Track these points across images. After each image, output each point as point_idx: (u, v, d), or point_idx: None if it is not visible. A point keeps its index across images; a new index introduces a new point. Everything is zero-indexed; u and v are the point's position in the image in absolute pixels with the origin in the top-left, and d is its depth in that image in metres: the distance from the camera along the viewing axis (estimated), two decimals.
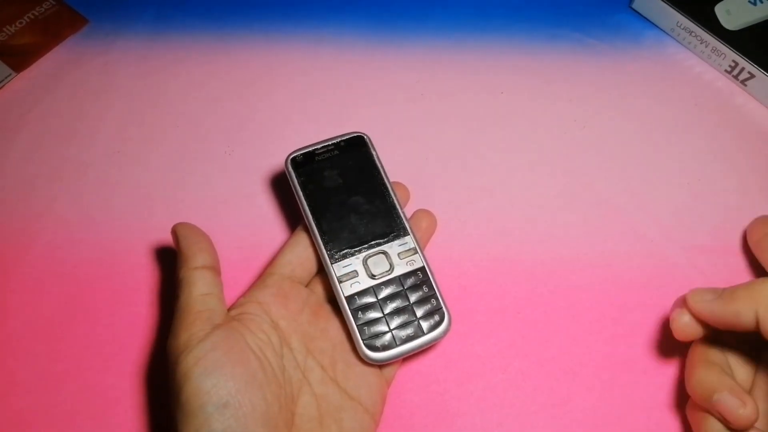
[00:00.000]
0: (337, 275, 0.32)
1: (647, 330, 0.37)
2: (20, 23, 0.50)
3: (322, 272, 0.34)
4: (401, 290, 0.32)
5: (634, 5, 0.50)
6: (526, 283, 0.39)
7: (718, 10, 0.46)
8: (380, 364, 0.32)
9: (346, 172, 0.35)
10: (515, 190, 0.42)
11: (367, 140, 0.36)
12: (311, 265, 0.34)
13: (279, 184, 0.43)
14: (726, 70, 0.46)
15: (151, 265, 0.40)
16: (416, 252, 0.33)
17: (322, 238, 0.33)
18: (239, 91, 0.47)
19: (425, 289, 0.33)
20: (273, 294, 0.32)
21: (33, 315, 0.38)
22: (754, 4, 0.45)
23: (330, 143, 0.35)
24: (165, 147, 0.44)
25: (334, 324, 0.34)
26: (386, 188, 0.35)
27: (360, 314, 0.32)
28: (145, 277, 0.39)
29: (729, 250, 0.39)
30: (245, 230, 0.41)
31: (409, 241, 0.33)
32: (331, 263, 0.32)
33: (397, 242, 0.33)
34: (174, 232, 0.32)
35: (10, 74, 0.48)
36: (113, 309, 0.38)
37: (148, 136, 0.45)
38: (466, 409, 0.35)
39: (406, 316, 0.32)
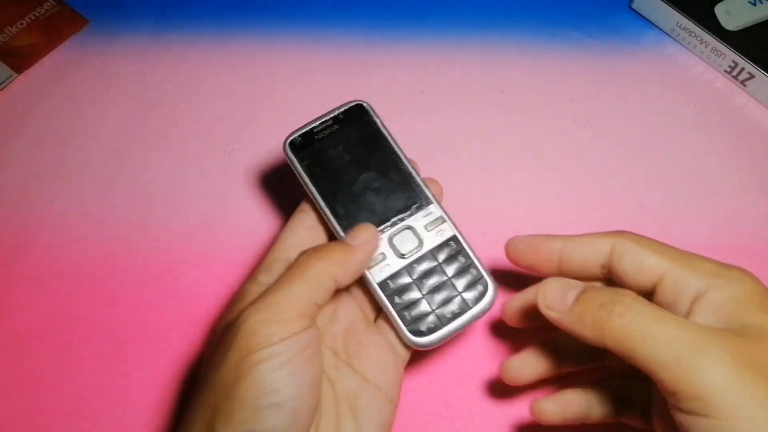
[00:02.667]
0: None
1: None
2: (21, 24, 0.50)
3: None
4: (436, 265, 0.30)
5: (634, 5, 0.50)
6: (526, 282, 0.39)
7: (718, 10, 0.46)
8: (429, 348, 0.30)
9: (352, 147, 0.31)
10: (515, 189, 0.42)
11: (368, 108, 0.33)
12: (357, 275, 0.31)
13: (279, 184, 0.43)
14: (726, 71, 0.46)
15: (150, 264, 0.40)
16: (444, 220, 0.30)
17: (339, 224, 0.30)
18: (239, 91, 0.47)
19: (461, 259, 0.30)
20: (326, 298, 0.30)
21: (33, 314, 0.38)
22: (754, 4, 0.45)
23: (328, 118, 0.32)
24: (165, 146, 0.44)
25: (343, 307, 0.32)
26: (398, 156, 0.32)
27: (397, 299, 0.29)
28: (145, 277, 0.39)
29: (729, 250, 0.39)
30: (245, 230, 0.41)
31: (433, 209, 0.30)
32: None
33: (421, 213, 0.30)
34: (365, 232, 0.29)
35: (12, 75, 0.48)
36: (113, 309, 0.38)
37: (148, 135, 0.45)
38: (466, 409, 0.35)
39: (447, 291, 0.29)
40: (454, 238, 0.30)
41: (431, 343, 0.29)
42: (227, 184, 0.43)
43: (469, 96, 0.46)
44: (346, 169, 0.31)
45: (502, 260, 0.39)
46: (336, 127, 0.32)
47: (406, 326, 0.29)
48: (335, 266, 0.27)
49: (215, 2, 0.51)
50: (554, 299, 0.27)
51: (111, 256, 0.40)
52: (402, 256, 0.30)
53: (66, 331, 0.38)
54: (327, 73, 0.47)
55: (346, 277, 0.28)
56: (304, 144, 0.31)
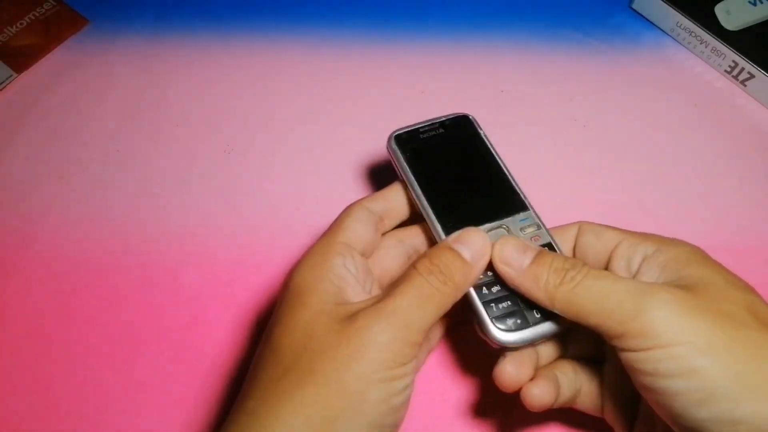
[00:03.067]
0: None
1: None
2: (21, 24, 0.50)
3: None
4: None
5: (634, 5, 0.50)
6: None
7: (718, 10, 0.46)
8: (512, 347, 0.28)
9: (454, 150, 0.33)
10: None
11: (473, 120, 0.34)
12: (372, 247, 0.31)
13: (279, 184, 0.43)
14: (726, 71, 0.46)
15: (150, 264, 0.40)
16: (540, 227, 0.30)
17: (436, 215, 0.30)
18: (239, 91, 0.47)
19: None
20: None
21: (32, 314, 0.38)
22: (754, 4, 0.45)
23: (435, 122, 0.33)
24: (165, 147, 0.44)
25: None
26: (499, 164, 0.32)
27: (485, 290, 0.28)
28: (145, 277, 0.39)
29: (729, 250, 0.39)
30: (245, 230, 0.41)
31: (530, 215, 0.31)
32: (446, 236, 0.29)
33: (518, 217, 0.30)
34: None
35: (11, 75, 0.48)
36: (113, 308, 0.38)
37: (148, 135, 0.45)
38: (466, 410, 0.35)
39: None
40: (549, 246, 0.30)
41: (515, 342, 0.28)
42: (227, 184, 0.43)
43: (469, 96, 0.46)
44: (447, 168, 0.32)
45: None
46: (441, 130, 0.33)
47: (491, 317, 0.28)
48: (458, 291, 0.27)
49: (215, 3, 0.51)
50: (511, 257, 0.27)
51: (111, 256, 0.40)
52: None
53: (66, 331, 0.38)
54: (327, 73, 0.47)
55: (459, 297, 0.27)
56: (409, 140, 0.33)
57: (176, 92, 0.47)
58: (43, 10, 0.51)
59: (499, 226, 0.30)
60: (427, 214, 0.30)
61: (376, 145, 0.35)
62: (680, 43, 0.48)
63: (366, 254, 0.30)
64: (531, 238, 0.30)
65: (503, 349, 0.28)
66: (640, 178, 0.42)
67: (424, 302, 0.25)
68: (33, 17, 0.50)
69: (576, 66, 0.47)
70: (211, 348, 0.37)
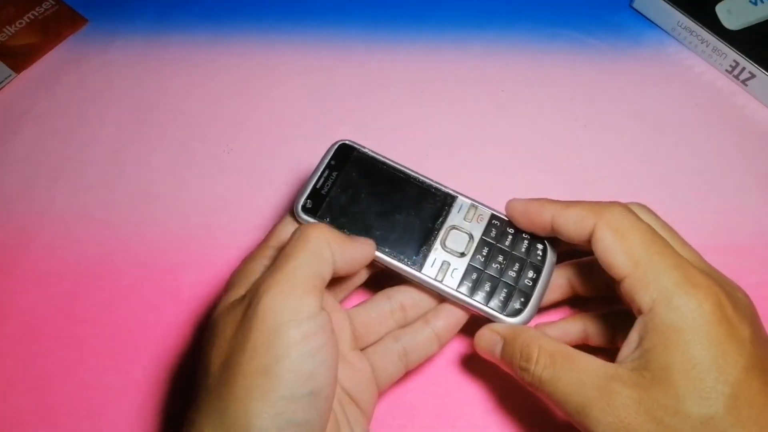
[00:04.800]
0: (433, 276, 0.30)
1: None
2: (20, 24, 0.50)
3: None
4: (494, 246, 0.31)
5: (635, 5, 0.50)
6: None
7: (719, 9, 0.46)
8: (530, 322, 0.30)
9: (359, 184, 0.32)
10: (515, 189, 0.42)
11: (351, 143, 0.33)
12: (346, 268, 0.31)
13: (279, 183, 0.43)
14: (727, 70, 0.46)
15: (150, 264, 0.40)
16: (477, 206, 0.32)
17: (390, 256, 0.30)
18: (239, 91, 0.47)
19: (510, 230, 0.32)
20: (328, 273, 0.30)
21: (33, 314, 0.38)
22: (755, 3, 0.45)
23: (323, 169, 0.32)
24: (164, 146, 0.44)
25: (335, 318, 0.30)
26: (404, 172, 0.33)
27: (479, 292, 0.30)
28: (144, 277, 0.39)
29: (729, 250, 0.39)
30: (245, 230, 0.41)
31: (463, 201, 0.32)
32: (419, 271, 0.30)
33: (454, 210, 0.32)
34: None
35: (10, 75, 0.47)
36: (113, 308, 0.38)
37: (148, 135, 0.45)
38: (466, 410, 0.35)
39: (517, 264, 0.31)
40: (494, 217, 0.32)
41: (530, 316, 0.30)
42: (227, 184, 0.43)
43: (469, 96, 0.46)
44: (366, 206, 0.32)
45: None
46: (334, 173, 0.32)
47: (500, 313, 0.30)
48: (336, 243, 0.27)
49: (215, 2, 0.51)
50: (487, 354, 0.30)
51: (111, 256, 0.40)
52: (462, 254, 0.31)
53: (66, 331, 0.38)
54: (326, 73, 0.47)
55: (341, 259, 0.27)
56: (316, 204, 0.31)
57: (176, 92, 0.47)
58: (42, 10, 0.50)
59: (449, 229, 0.31)
60: (384, 261, 0.30)
61: (377, 145, 0.35)
62: (681, 43, 0.48)
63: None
64: (477, 220, 0.31)
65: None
66: (640, 178, 0.42)
67: (298, 249, 0.26)
68: (32, 17, 0.50)
69: (576, 66, 0.47)
70: None
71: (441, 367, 0.36)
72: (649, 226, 0.27)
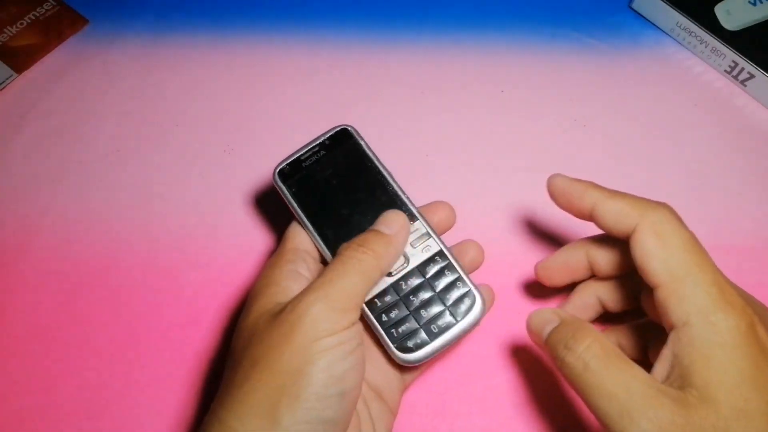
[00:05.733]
0: None
1: None
2: (21, 24, 0.50)
3: None
4: (423, 281, 0.30)
5: (634, 5, 0.50)
6: (527, 282, 0.39)
7: (718, 10, 0.46)
8: (417, 366, 0.30)
9: (338, 171, 0.32)
10: (515, 189, 0.42)
11: (353, 131, 0.33)
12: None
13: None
14: (726, 71, 0.46)
15: (150, 264, 0.40)
16: (429, 236, 0.31)
17: (327, 248, 0.31)
18: (239, 91, 0.47)
19: (448, 273, 0.30)
20: (315, 272, 0.31)
21: (33, 314, 0.38)
22: (754, 4, 0.45)
23: (315, 144, 0.33)
24: (165, 146, 0.44)
25: None
26: (384, 177, 0.32)
27: (384, 317, 0.29)
28: (145, 277, 0.39)
29: (729, 250, 0.39)
30: (245, 229, 0.41)
31: (418, 226, 0.31)
32: None
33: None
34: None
35: (12, 75, 0.48)
36: (113, 308, 0.38)
37: (148, 135, 0.45)
38: (466, 410, 0.35)
39: (435, 307, 0.30)
40: (440, 254, 0.31)
41: (419, 360, 0.29)
42: (227, 183, 0.43)
43: (469, 96, 0.46)
44: (333, 192, 0.32)
45: (504, 257, 0.39)
46: (323, 152, 0.33)
47: (393, 344, 0.29)
48: (381, 259, 0.28)
49: (214, 3, 0.51)
50: (535, 334, 0.29)
51: (111, 256, 0.40)
52: (389, 273, 0.30)
53: (66, 331, 0.38)
54: (327, 73, 0.47)
55: (389, 268, 0.29)
56: (293, 172, 0.32)
57: (176, 92, 0.47)
58: (43, 10, 0.51)
59: None
60: (320, 248, 0.31)
61: (376, 145, 0.35)
62: (680, 43, 0.48)
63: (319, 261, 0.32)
64: (421, 249, 0.31)
65: (409, 367, 0.30)
66: (639, 178, 0.42)
67: (349, 271, 0.27)
68: (33, 17, 0.50)
69: (576, 66, 0.47)
70: (211, 348, 0.37)
71: (441, 367, 0.36)
72: (691, 234, 0.26)
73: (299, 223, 0.32)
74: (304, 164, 0.33)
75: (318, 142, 0.33)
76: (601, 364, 0.25)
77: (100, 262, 0.40)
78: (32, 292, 0.39)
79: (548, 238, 0.40)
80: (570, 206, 0.30)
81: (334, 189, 0.32)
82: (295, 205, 0.32)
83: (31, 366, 0.37)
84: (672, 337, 0.25)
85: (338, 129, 0.33)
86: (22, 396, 0.36)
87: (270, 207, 0.42)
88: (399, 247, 0.29)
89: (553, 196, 0.31)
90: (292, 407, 0.24)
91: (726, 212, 0.41)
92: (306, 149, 0.33)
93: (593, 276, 0.33)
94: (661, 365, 0.25)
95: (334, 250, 0.30)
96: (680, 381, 0.24)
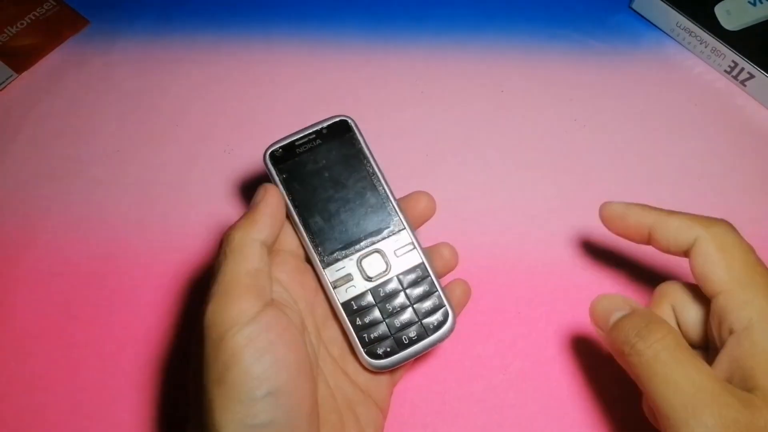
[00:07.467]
0: (331, 280, 0.30)
1: None
2: (21, 24, 0.50)
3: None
4: (400, 290, 0.30)
5: (634, 6, 0.50)
6: (526, 282, 0.39)
7: (718, 10, 0.46)
8: (384, 372, 0.30)
9: (332, 164, 0.31)
10: (515, 189, 0.42)
11: (352, 124, 0.32)
12: (276, 227, 0.30)
13: None
14: (726, 71, 0.46)
15: (151, 264, 0.40)
16: (414, 247, 0.31)
17: (311, 241, 0.30)
18: (239, 91, 0.47)
19: (425, 286, 0.30)
20: (290, 272, 0.29)
21: (33, 314, 0.38)
22: (754, 4, 0.45)
23: (311, 131, 0.31)
24: (165, 146, 0.44)
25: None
26: (377, 178, 0.31)
27: (358, 320, 0.30)
28: (145, 277, 0.39)
29: None
30: None
31: (405, 236, 0.31)
32: (323, 268, 0.30)
33: (392, 239, 0.31)
34: (261, 190, 0.29)
35: (12, 75, 0.48)
36: (113, 308, 0.38)
37: (148, 135, 0.45)
38: (466, 409, 0.35)
39: (408, 317, 0.30)
40: (421, 266, 0.31)
41: (386, 366, 0.29)
42: (227, 184, 0.43)
43: (469, 96, 0.46)
44: (324, 185, 0.31)
45: (503, 256, 0.39)
46: (318, 141, 0.31)
47: (363, 347, 0.29)
48: (248, 228, 0.27)
49: (215, 3, 0.51)
50: (600, 318, 0.29)
51: (111, 256, 0.40)
52: (369, 278, 0.30)
53: (66, 331, 0.38)
54: (326, 73, 0.47)
55: (264, 232, 0.28)
56: (285, 156, 0.31)
57: (176, 92, 0.47)
58: (44, 11, 0.51)
59: (374, 251, 0.31)
60: (303, 239, 0.30)
61: (376, 145, 0.35)
62: (680, 44, 0.48)
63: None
64: (404, 260, 0.31)
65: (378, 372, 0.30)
66: (639, 178, 0.42)
67: (227, 254, 0.26)
68: (33, 17, 0.50)
69: (576, 66, 0.47)
70: None
71: (441, 367, 0.36)
72: (751, 247, 0.27)
73: (287, 210, 0.31)
74: (297, 150, 0.31)
75: (315, 129, 0.32)
76: (672, 355, 0.25)
77: (100, 261, 0.40)
78: (32, 291, 0.39)
79: (548, 236, 0.40)
80: (627, 231, 0.30)
81: (325, 182, 0.31)
82: (283, 191, 0.30)
83: (31, 366, 0.37)
84: (731, 342, 0.25)
85: (337, 119, 0.32)
86: (22, 396, 0.36)
87: None
88: (267, 210, 0.28)
89: (609, 222, 0.31)
90: (224, 422, 0.24)
91: (725, 212, 0.41)
92: (301, 134, 0.32)
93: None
94: (719, 369, 0.26)
95: (315, 243, 0.30)
96: (742, 384, 0.24)
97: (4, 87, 0.47)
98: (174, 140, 0.45)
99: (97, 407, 0.36)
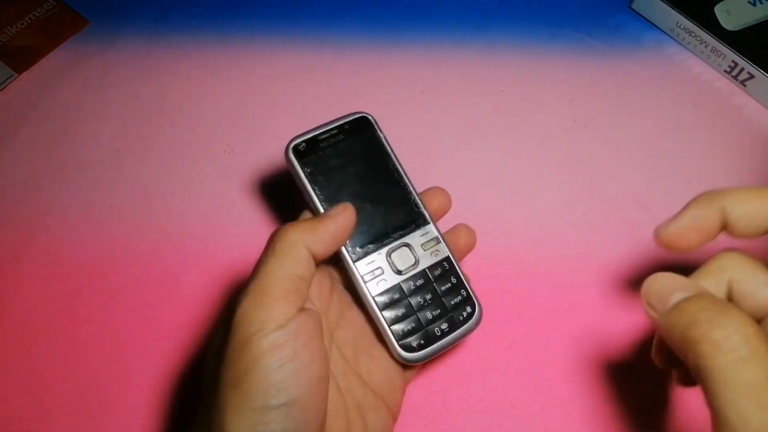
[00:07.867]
0: (362, 274, 0.30)
1: (649, 330, 0.37)
2: (21, 24, 0.50)
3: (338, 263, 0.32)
4: (429, 284, 0.30)
5: (634, 6, 0.50)
6: (526, 282, 0.39)
7: (718, 10, 0.46)
8: (417, 364, 0.30)
9: (355, 159, 0.31)
10: (515, 189, 0.42)
11: (373, 121, 0.32)
12: (332, 246, 0.29)
13: (279, 184, 0.43)
14: (725, 71, 0.46)
15: (151, 264, 0.40)
16: (440, 241, 0.31)
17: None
18: (239, 91, 0.47)
19: (453, 279, 0.31)
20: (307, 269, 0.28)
21: (33, 314, 0.38)
22: (754, 4, 0.45)
23: (333, 127, 0.32)
24: (165, 146, 0.44)
25: (355, 313, 0.31)
26: (399, 173, 0.32)
27: (390, 313, 0.30)
28: (145, 276, 0.39)
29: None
30: (245, 229, 0.41)
31: (430, 229, 0.31)
32: (354, 261, 0.30)
33: (418, 232, 0.31)
34: (341, 206, 0.28)
35: (12, 75, 0.48)
36: (113, 308, 0.38)
37: (148, 135, 0.45)
38: (466, 409, 0.35)
39: (438, 310, 0.30)
40: (447, 259, 0.31)
41: (420, 359, 0.30)
42: (227, 183, 0.43)
43: (469, 96, 0.46)
44: (349, 180, 0.31)
45: (502, 256, 0.39)
46: (341, 137, 0.32)
47: (397, 341, 0.30)
48: (305, 234, 0.26)
49: (215, 3, 0.51)
50: (656, 298, 0.24)
51: (111, 256, 0.40)
52: (399, 272, 0.30)
53: (66, 331, 0.38)
54: (326, 74, 0.47)
55: (319, 244, 0.27)
56: (308, 151, 0.31)
57: (176, 92, 0.47)
58: (44, 11, 0.51)
59: (402, 245, 0.31)
60: None
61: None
62: (680, 44, 0.48)
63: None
64: (431, 253, 0.31)
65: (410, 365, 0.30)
66: (640, 178, 0.42)
67: (269, 255, 0.25)
68: (33, 17, 0.50)
69: (576, 66, 0.47)
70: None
71: (441, 367, 0.36)
72: None
73: (310, 209, 0.31)
74: (320, 144, 0.31)
75: (337, 124, 0.32)
76: (755, 354, 0.20)
77: (99, 262, 0.40)
78: (32, 291, 0.39)
79: (548, 236, 0.40)
80: (703, 237, 0.26)
81: (349, 177, 0.31)
82: (308, 185, 0.30)
83: (31, 366, 0.37)
84: None
85: (358, 116, 0.32)
86: (22, 396, 0.36)
87: (270, 207, 0.42)
88: (332, 227, 0.27)
89: (673, 244, 0.27)
90: (236, 426, 0.23)
91: None
92: (323, 129, 0.31)
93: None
94: None
95: (348, 241, 0.30)
96: None
97: (4, 87, 0.47)
98: (174, 140, 0.45)
99: (96, 407, 0.36)
